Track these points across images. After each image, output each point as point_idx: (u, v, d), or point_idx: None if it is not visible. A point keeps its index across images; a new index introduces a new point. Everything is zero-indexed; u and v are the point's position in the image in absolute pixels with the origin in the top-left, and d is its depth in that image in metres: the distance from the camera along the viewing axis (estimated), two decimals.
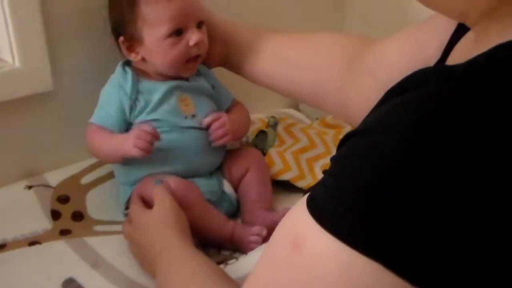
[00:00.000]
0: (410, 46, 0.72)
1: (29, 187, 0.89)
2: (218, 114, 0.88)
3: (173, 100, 0.86)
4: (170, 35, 0.83)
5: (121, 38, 0.84)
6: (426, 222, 0.38)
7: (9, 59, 0.88)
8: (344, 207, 0.40)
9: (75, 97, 0.93)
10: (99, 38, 0.89)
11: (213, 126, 0.86)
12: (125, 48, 0.85)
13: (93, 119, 0.85)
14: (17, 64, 0.87)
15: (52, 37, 0.89)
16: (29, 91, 0.89)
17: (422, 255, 0.38)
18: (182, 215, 0.77)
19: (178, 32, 0.83)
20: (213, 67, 0.94)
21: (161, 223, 0.74)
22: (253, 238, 0.80)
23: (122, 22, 0.84)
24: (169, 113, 0.85)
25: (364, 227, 0.39)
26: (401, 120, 0.40)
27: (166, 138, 0.83)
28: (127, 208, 0.85)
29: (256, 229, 0.80)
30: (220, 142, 0.87)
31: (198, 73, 0.91)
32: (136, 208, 0.79)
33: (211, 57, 0.92)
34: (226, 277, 0.63)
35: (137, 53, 0.85)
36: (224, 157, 0.92)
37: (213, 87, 0.92)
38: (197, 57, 0.86)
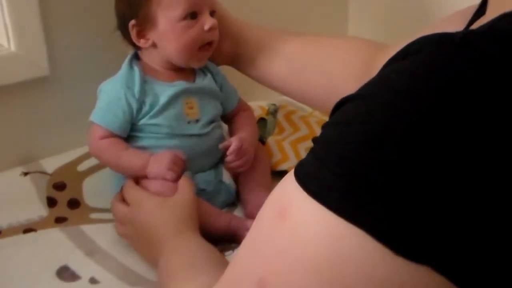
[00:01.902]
0: None
1: (25, 174, 0.89)
2: (236, 145, 0.84)
3: (178, 104, 0.83)
4: (185, 17, 0.80)
5: (133, 22, 0.81)
6: (413, 190, 0.36)
7: (5, 43, 0.87)
8: (330, 172, 0.38)
9: (72, 82, 0.93)
10: (97, 22, 0.88)
11: (232, 158, 0.85)
12: (135, 34, 0.82)
13: (98, 120, 0.81)
14: (13, 48, 0.86)
15: (49, 21, 0.88)
16: (25, 76, 0.88)
17: (408, 224, 0.36)
18: (195, 209, 0.76)
19: (193, 15, 0.81)
20: (221, 64, 0.92)
21: (176, 211, 0.74)
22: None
23: (133, 6, 0.81)
24: (173, 118, 0.82)
25: (349, 193, 0.37)
26: (391, 85, 0.39)
27: (165, 144, 0.82)
28: None
29: (251, 222, 0.79)
30: (238, 167, 0.86)
31: (206, 72, 0.89)
32: (141, 191, 0.77)
33: (220, 54, 0.90)
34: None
35: (148, 39, 0.82)
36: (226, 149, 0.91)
37: (220, 87, 0.90)
38: (209, 45, 0.84)
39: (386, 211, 0.36)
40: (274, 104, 1.07)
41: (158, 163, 0.78)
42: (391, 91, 0.39)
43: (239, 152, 0.84)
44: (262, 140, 0.98)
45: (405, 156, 0.37)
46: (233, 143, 0.84)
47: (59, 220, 0.83)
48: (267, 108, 1.06)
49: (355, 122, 0.39)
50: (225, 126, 0.94)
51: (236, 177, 0.90)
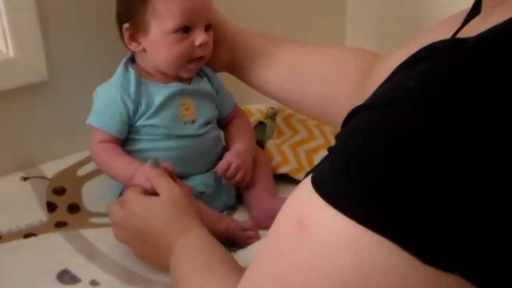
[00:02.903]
0: None
1: (25, 179, 0.89)
2: (227, 161, 0.85)
3: (174, 105, 0.83)
4: (177, 30, 0.80)
5: (126, 25, 0.82)
6: (438, 198, 0.36)
7: (3, 49, 0.87)
8: (350, 181, 0.38)
9: (71, 87, 0.93)
10: (95, 27, 0.88)
11: (228, 175, 0.85)
12: (128, 37, 0.83)
13: (96, 123, 0.81)
14: (11, 53, 0.86)
15: (47, 26, 0.88)
16: (23, 81, 0.88)
17: (435, 232, 0.36)
18: (191, 201, 0.75)
19: (185, 29, 0.81)
20: (219, 71, 0.92)
21: (175, 209, 0.71)
22: (249, 233, 0.79)
23: (130, 9, 0.82)
24: (169, 118, 0.83)
25: (371, 202, 0.37)
26: (409, 90, 0.39)
27: (162, 145, 0.82)
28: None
29: (250, 232, 0.79)
30: (237, 183, 0.87)
31: (202, 75, 0.89)
32: (136, 194, 0.74)
33: (217, 60, 0.90)
34: (239, 268, 0.62)
35: (139, 43, 0.83)
36: (223, 151, 0.91)
37: (216, 91, 0.90)
38: (199, 59, 0.84)
39: (411, 220, 0.36)
40: (272, 108, 1.07)
41: (144, 174, 0.76)
42: (411, 100, 0.38)
43: (232, 170, 0.85)
44: (261, 144, 0.98)
45: (430, 165, 0.36)
46: (220, 165, 0.85)
47: (59, 225, 0.83)
48: (265, 111, 1.06)
49: (376, 131, 0.39)
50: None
51: None
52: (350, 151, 0.40)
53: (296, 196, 0.43)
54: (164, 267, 0.70)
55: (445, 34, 0.63)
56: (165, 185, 0.73)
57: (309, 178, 0.41)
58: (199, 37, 0.81)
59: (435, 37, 0.69)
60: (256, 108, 1.06)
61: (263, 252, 0.45)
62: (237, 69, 0.92)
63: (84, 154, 0.92)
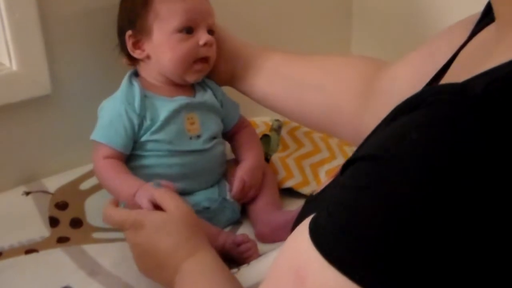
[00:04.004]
0: (423, 60, 0.71)
1: (27, 193, 0.88)
2: (241, 182, 0.85)
3: (180, 120, 0.83)
4: (180, 31, 0.81)
5: (129, 32, 0.82)
6: (436, 264, 0.35)
7: (6, 63, 0.86)
8: (349, 241, 0.37)
9: (74, 101, 0.92)
10: (98, 40, 0.88)
11: (242, 196, 0.86)
12: (131, 44, 0.83)
13: (100, 138, 0.80)
14: (15, 67, 0.86)
15: (50, 39, 0.87)
16: (27, 94, 0.87)
17: None
18: (199, 221, 0.73)
19: (188, 30, 0.82)
20: (221, 85, 0.91)
21: (185, 227, 0.68)
22: (242, 247, 0.78)
23: (132, 17, 0.83)
24: (174, 133, 0.82)
25: (371, 264, 0.37)
26: (412, 147, 0.38)
27: (166, 162, 0.81)
28: None
29: (242, 246, 0.78)
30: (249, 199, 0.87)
31: (206, 88, 0.88)
32: (142, 211, 0.71)
33: (219, 74, 0.90)
34: None
35: (143, 50, 0.83)
36: (228, 165, 0.90)
37: (221, 104, 0.89)
38: (205, 60, 0.84)
39: (412, 285, 0.36)
40: (278, 120, 1.06)
41: (146, 193, 0.73)
42: (414, 156, 0.37)
43: (246, 191, 0.85)
44: (266, 158, 0.97)
45: (433, 229, 0.35)
46: (236, 188, 0.85)
47: (61, 240, 0.82)
48: (270, 123, 1.05)
49: (377, 187, 0.38)
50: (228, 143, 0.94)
51: None
52: (349, 207, 0.39)
53: (294, 243, 0.43)
54: (167, 284, 0.68)
55: (453, 42, 0.63)
56: (174, 203, 0.70)
57: (307, 226, 0.41)
58: (203, 36, 0.82)
59: (441, 40, 0.68)
60: (261, 120, 1.06)
61: None
62: (239, 82, 0.91)
63: (87, 168, 0.92)
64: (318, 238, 0.39)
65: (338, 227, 0.39)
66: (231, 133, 0.92)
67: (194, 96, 0.86)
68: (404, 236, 0.36)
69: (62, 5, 0.88)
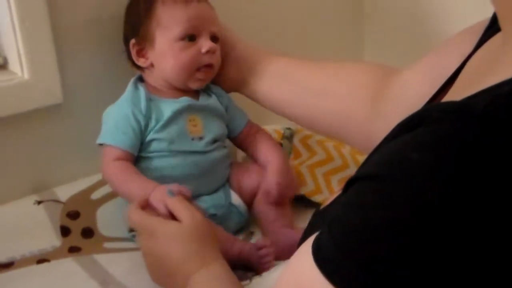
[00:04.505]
0: (431, 67, 0.70)
1: (39, 202, 0.87)
2: (276, 187, 0.85)
3: (182, 121, 0.83)
4: (182, 38, 0.81)
5: (133, 41, 0.83)
6: (439, 285, 0.35)
7: (18, 71, 0.86)
8: (350, 262, 0.37)
9: (85, 109, 0.92)
10: (109, 49, 0.87)
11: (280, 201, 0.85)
12: (135, 53, 0.83)
13: (108, 140, 0.80)
14: (26, 76, 0.85)
15: (62, 48, 0.87)
16: (38, 103, 0.87)
17: None
18: (214, 228, 0.72)
19: (191, 38, 0.82)
20: (229, 91, 0.91)
21: (197, 238, 0.68)
22: (263, 251, 0.77)
23: (135, 25, 0.83)
24: (176, 133, 0.82)
25: (373, 285, 0.36)
26: (415, 167, 0.37)
27: (168, 162, 0.81)
28: (131, 230, 0.82)
29: (263, 250, 0.77)
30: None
31: (210, 94, 0.88)
32: (157, 219, 0.70)
33: (225, 80, 0.89)
34: None
35: (147, 58, 0.83)
36: (232, 169, 0.89)
37: (226, 109, 0.89)
38: (208, 67, 0.83)
39: None
40: (289, 128, 1.05)
41: (160, 197, 0.73)
42: (415, 177, 0.37)
43: (281, 193, 0.84)
44: None
45: (437, 252, 0.35)
46: (272, 191, 0.84)
47: (73, 250, 0.82)
48: (282, 132, 1.04)
49: (378, 208, 0.38)
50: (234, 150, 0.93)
51: (250, 200, 0.88)
52: (350, 229, 0.39)
53: (298, 263, 0.43)
54: None
55: (461, 50, 0.62)
56: (186, 212, 0.70)
57: (310, 246, 0.41)
58: (205, 43, 0.82)
59: (450, 46, 0.68)
60: (272, 128, 1.05)
61: None
62: (247, 88, 0.90)
63: (99, 176, 0.91)
64: (320, 258, 0.39)
65: (339, 247, 0.39)
66: (242, 138, 0.91)
67: (197, 99, 0.86)
68: (402, 259, 0.36)
69: (73, 14, 0.88)
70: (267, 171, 0.86)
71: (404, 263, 0.36)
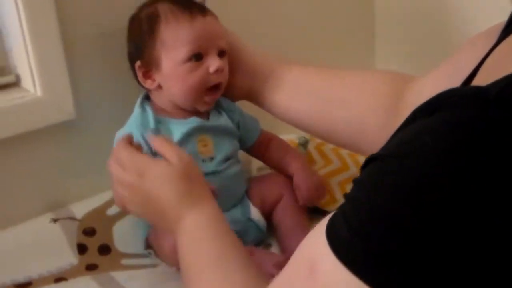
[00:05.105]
0: (447, 76, 0.69)
1: (55, 220, 0.87)
2: (307, 193, 0.86)
3: (192, 143, 0.81)
4: (189, 59, 0.78)
5: (138, 63, 0.81)
6: (446, 265, 0.36)
7: (31, 89, 0.86)
8: (360, 240, 0.39)
9: (98, 125, 0.91)
10: (121, 64, 0.86)
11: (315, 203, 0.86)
12: (141, 75, 0.81)
13: None
14: (39, 93, 0.85)
15: (74, 65, 0.87)
16: (51, 120, 0.87)
17: None
18: (200, 170, 0.72)
19: (197, 57, 0.79)
20: (237, 100, 0.89)
21: (186, 179, 0.68)
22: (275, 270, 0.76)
23: (140, 46, 0.81)
24: None
25: (379, 264, 0.38)
26: (426, 148, 0.39)
27: None
28: (147, 247, 0.82)
29: (278, 260, 0.76)
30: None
31: (220, 111, 0.86)
32: (141, 155, 0.71)
33: (235, 88, 0.86)
34: (252, 265, 0.62)
35: (154, 80, 0.81)
36: (251, 183, 0.88)
37: (238, 125, 0.87)
38: (216, 87, 0.81)
39: (418, 285, 0.36)
40: (304, 137, 1.04)
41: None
42: (426, 158, 0.38)
43: (312, 197, 0.86)
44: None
45: (442, 231, 0.36)
46: (304, 195, 0.85)
47: (90, 268, 0.81)
48: (297, 141, 1.03)
49: (386, 187, 0.39)
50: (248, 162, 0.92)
51: (268, 213, 0.87)
52: (361, 206, 0.40)
53: (312, 238, 0.45)
54: (166, 230, 0.69)
55: (478, 54, 0.61)
56: (174, 153, 0.70)
57: (326, 221, 0.43)
58: (213, 63, 0.79)
59: (466, 51, 0.67)
60: (286, 138, 1.04)
61: (276, 282, 0.47)
62: (258, 97, 0.87)
63: None
64: (331, 234, 0.41)
65: (348, 223, 0.40)
66: (256, 148, 0.90)
67: (207, 118, 0.84)
68: (408, 236, 0.37)
69: (85, 30, 0.88)
70: (294, 179, 0.86)
71: (402, 242, 0.37)
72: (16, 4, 0.81)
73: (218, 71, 0.79)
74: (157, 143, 0.71)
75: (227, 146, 0.84)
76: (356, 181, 0.43)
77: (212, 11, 0.82)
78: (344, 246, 0.39)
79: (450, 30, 1.17)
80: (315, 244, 0.43)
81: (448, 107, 0.40)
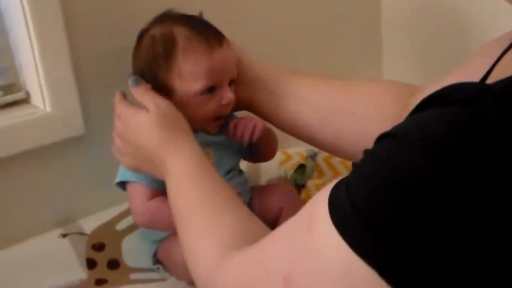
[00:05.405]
0: (456, 80, 0.68)
1: (64, 236, 0.88)
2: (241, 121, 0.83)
3: None
4: (202, 93, 0.77)
5: (149, 86, 0.78)
6: (434, 241, 0.37)
7: (41, 105, 0.87)
8: (354, 207, 0.41)
9: (108, 140, 0.90)
10: None
11: (239, 131, 0.82)
12: None
13: (131, 177, 0.79)
14: (48, 109, 0.86)
15: (83, 81, 0.88)
16: (61, 136, 0.88)
17: (422, 271, 0.38)
18: (182, 116, 0.73)
19: (211, 89, 0.78)
20: (237, 110, 0.87)
21: (165, 125, 0.71)
22: None
23: (153, 69, 0.78)
24: None
25: (367, 233, 0.39)
26: (431, 133, 0.40)
27: None
28: (155, 262, 0.82)
29: None
30: (255, 136, 0.82)
31: (224, 125, 0.85)
32: (126, 107, 0.75)
33: (237, 99, 0.84)
34: (240, 206, 0.64)
35: None
36: (252, 193, 0.88)
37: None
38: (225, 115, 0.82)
39: (403, 257, 0.38)
40: (312, 149, 1.04)
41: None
42: (429, 139, 0.40)
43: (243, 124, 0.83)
44: (298, 185, 0.95)
45: (433, 210, 0.37)
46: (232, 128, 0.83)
47: (99, 282, 0.81)
48: (305, 154, 1.03)
49: (387, 161, 0.41)
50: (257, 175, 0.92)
51: (274, 223, 0.87)
52: (362, 176, 0.42)
53: (318, 196, 0.47)
54: (160, 177, 0.71)
55: (486, 63, 0.61)
56: (152, 101, 0.73)
57: (331, 186, 0.45)
58: (226, 95, 0.78)
59: (475, 59, 0.66)
60: (295, 151, 1.04)
61: (275, 237, 0.50)
62: (261, 108, 0.86)
63: (123, 207, 0.92)
64: (331, 197, 0.44)
65: (347, 191, 0.42)
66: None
67: (213, 133, 0.83)
68: (398, 211, 0.38)
69: (93, 45, 0.88)
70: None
71: (392, 216, 0.38)
72: (26, 21, 0.82)
73: (229, 103, 0.79)
74: (137, 93, 0.75)
75: (229, 159, 0.85)
76: (366, 151, 0.45)
77: (225, 36, 0.80)
78: (338, 210, 0.42)
79: (457, 35, 1.17)
80: (318, 201, 0.45)
81: (457, 102, 0.42)
